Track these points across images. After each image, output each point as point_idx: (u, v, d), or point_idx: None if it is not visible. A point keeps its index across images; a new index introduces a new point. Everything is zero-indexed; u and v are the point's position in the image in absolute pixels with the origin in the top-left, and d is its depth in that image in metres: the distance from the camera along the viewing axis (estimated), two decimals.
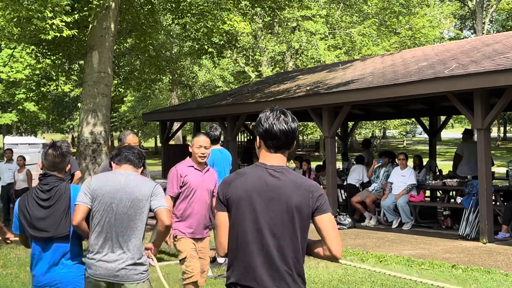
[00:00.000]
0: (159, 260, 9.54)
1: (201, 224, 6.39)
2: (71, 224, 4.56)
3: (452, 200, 13.64)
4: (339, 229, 13.06)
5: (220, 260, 9.33)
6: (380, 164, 13.92)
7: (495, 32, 55.56)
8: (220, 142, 9.24)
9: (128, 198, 4.46)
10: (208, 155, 6.49)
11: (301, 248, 3.30)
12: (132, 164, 4.73)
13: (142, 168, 4.84)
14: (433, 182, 13.40)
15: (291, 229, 3.25)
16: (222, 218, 3.37)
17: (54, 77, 22.51)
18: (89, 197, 4.50)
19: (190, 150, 6.47)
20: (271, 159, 3.36)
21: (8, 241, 5.40)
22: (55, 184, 4.68)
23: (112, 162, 4.83)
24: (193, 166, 6.40)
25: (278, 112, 3.37)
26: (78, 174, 11.57)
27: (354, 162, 15.24)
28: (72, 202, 4.59)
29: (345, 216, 12.98)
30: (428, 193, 14.91)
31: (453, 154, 15.38)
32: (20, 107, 41.13)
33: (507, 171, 14.42)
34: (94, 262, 4.42)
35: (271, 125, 3.31)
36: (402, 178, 12.89)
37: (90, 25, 14.50)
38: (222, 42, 17.52)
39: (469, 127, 17.51)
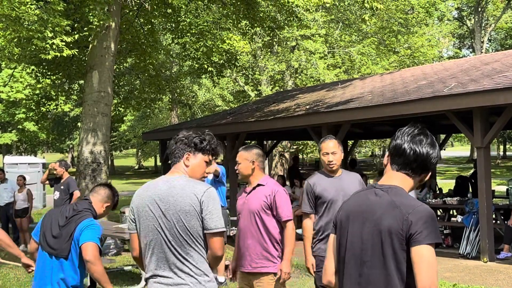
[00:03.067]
0: None
1: (246, 256, 5.39)
2: (71, 248, 4.69)
3: (453, 219, 13.61)
4: None
5: (221, 279, 9.22)
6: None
7: (493, 51, 55.78)
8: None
9: (171, 209, 3.58)
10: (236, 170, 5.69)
11: (399, 284, 2.74)
12: (177, 159, 3.85)
13: (189, 154, 3.80)
14: (433, 201, 13.37)
15: (381, 257, 2.78)
16: (331, 241, 3.05)
17: (54, 97, 22.53)
18: (133, 219, 3.78)
19: None
20: (389, 178, 2.95)
21: (30, 270, 5.25)
22: (81, 209, 4.86)
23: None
24: (244, 188, 5.66)
25: (417, 129, 2.97)
26: (77, 193, 11.59)
27: None
28: (76, 230, 4.71)
29: None
30: None
31: (454, 173, 15.37)
32: (20, 127, 41.16)
33: (507, 189, 14.40)
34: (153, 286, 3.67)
35: (403, 141, 2.92)
36: None
37: (90, 45, 14.56)
38: (221, 61, 17.58)
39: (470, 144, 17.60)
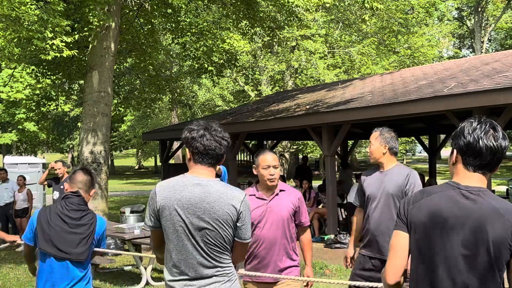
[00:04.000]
0: None
1: (271, 265, 5.03)
2: (89, 252, 4.63)
3: None
4: (338, 248, 13.03)
5: None
6: None
7: (493, 51, 55.80)
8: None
9: (207, 216, 3.46)
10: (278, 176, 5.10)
11: None
12: (213, 166, 3.63)
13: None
14: None
15: (484, 270, 2.63)
16: (400, 238, 2.82)
17: (54, 97, 22.60)
18: (156, 218, 3.58)
19: (255, 172, 5.09)
20: (467, 178, 2.78)
21: (15, 244, 5.26)
22: (82, 207, 4.72)
23: (188, 151, 3.65)
24: (254, 195, 5.04)
25: (487, 125, 2.77)
26: None
27: (354, 181, 15.29)
28: (96, 232, 4.68)
29: (345, 235, 12.94)
30: None
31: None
32: (20, 127, 41.18)
33: (507, 189, 14.40)
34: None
35: (477, 138, 2.73)
36: None
37: (90, 45, 14.56)
38: (221, 61, 17.59)
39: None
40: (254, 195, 5.03)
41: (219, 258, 3.51)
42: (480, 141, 2.72)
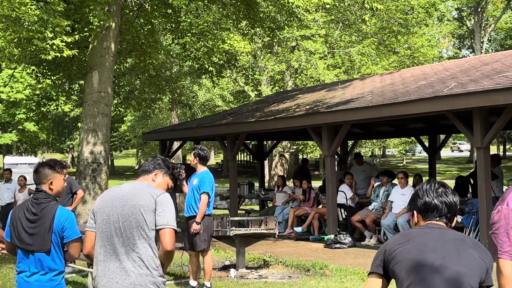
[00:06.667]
0: None
1: None
2: (51, 242, 4.79)
3: None
4: (338, 248, 13.04)
5: (193, 283, 9.05)
6: (377, 183, 13.95)
7: (493, 51, 55.79)
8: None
9: (128, 204, 4.01)
10: None
11: None
12: (146, 172, 4.31)
13: (158, 172, 4.33)
14: None
15: None
16: (374, 284, 3.01)
17: (54, 97, 22.57)
18: (92, 218, 4.16)
19: None
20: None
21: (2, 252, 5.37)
22: (43, 201, 4.88)
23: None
24: None
25: (436, 184, 3.17)
26: (80, 193, 11.66)
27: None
28: (56, 222, 4.77)
29: (345, 235, 12.94)
30: None
31: (453, 173, 15.39)
32: (20, 127, 41.19)
33: (506, 189, 14.42)
34: (101, 277, 4.02)
35: (431, 197, 3.11)
36: (402, 197, 12.87)
37: (91, 45, 14.57)
38: (221, 62, 17.59)
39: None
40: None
41: (135, 246, 3.95)
42: (435, 199, 3.07)
